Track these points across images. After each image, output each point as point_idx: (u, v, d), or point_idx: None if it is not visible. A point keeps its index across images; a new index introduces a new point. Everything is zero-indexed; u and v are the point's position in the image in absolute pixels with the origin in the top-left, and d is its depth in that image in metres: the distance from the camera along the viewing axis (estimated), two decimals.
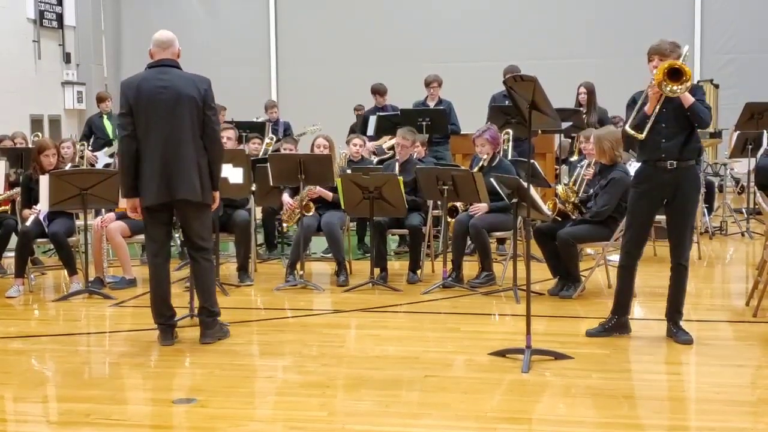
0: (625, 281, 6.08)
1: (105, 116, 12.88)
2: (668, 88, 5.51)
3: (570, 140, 10.83)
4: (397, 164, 8.59)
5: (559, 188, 7.77)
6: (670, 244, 5.99)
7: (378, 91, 12.14)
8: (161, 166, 5.89)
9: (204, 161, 6.01)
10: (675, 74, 5.52)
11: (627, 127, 5.77)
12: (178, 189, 5.92)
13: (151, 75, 6.00)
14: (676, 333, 5.94)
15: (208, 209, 6.15)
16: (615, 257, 7.82)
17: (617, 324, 6.10)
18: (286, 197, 8.52)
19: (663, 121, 5.70)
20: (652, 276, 7.73)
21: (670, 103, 5.66)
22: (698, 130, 5.87)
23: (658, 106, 5.66)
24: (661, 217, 6.26)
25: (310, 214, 8.17)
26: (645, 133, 5.69)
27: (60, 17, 17.81)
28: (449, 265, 7.88)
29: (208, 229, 6.24)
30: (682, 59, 5.74)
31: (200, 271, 6.14)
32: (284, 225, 9.27)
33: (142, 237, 8.45)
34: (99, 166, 11.47)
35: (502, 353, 5.61)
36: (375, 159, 10.51)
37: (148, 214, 6.06)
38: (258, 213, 9.56)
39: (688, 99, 5.62)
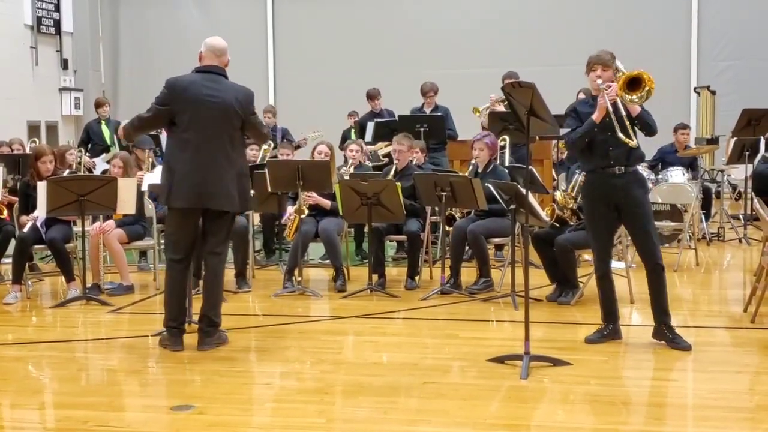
0: (608, 288, 6.13)
1: (103, 122, 12.86)
2: (629, 98, 5.61)
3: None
4: (393, 169, 8.61)
5: (558, 194, 7.78)
6: (638, 249, 6.06)
7: (371, 95, 12.19)
8: (195, 172, 5.91)
9: (245, 170, 6.11)
10: (633, 84, 5.61)
11: (624, 135, 5.73)
12: (213, 199, 5.94)
13: (199, 80, 6.01)
14: (672, 339, 5.94)
15: (234, 218, 6.27)
16: (612, 263, 7.84)
17: (613, 330, 6.12)
18: (290, 210, 8.48)
19: (609, 130, 5.74)
20: None
21: (616, 112, 5.72)
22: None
23: (612, 114, 5.72)
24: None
25: (304, 216, 8.13)
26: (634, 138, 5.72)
27: (57, 23, 17.81)
28: (447, 272, 7.88)
29: (229, 237, 6.30)
30: (619, 71, 5.83)
31: (212, 278, 6.12)
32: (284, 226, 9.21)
33: (139, 243, 8.49)
34: (97, 172, 11.46)
35: (500, 360, 5.61)
36: (370, 165, 10.53)
37: (177, 216, 6.05)
38: (256, 219, 9.56)
39: (635, 108, 5.72)
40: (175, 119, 5.97)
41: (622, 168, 5.85)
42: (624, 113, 5.72)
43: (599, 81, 5.78)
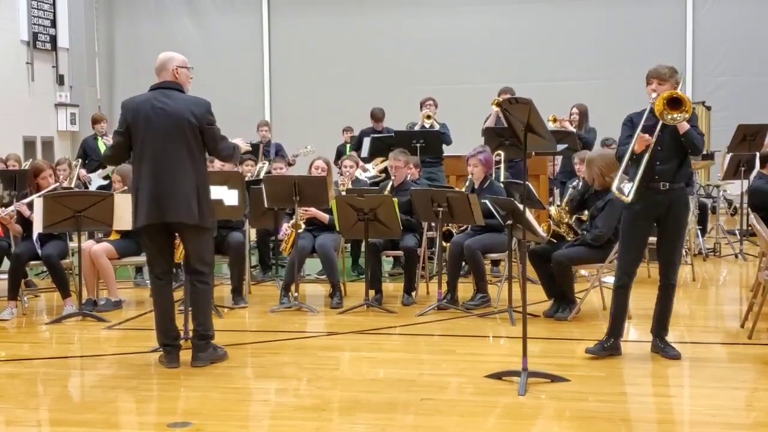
0: (622, 301, 6.12)
1: (99, 138, 12.85)
2: (669, 117, 5.60)
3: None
4: (390, 185, 8.62)
5: (552, 209, 7.77)
6: (660, 264, 6.08)
7: (376, 116, 12.21)
8: (153, 188, 5.89)
9: (205, 184, 6.04)
10: (675, 103, 5.62)
11: (626, 193, 5.79)
12: (171, 211, 5.90)
13: (150, 97, 6.00)
14: (663, 348, 6.04)
15: (208, 232, 6.16)
16: (610, 279, 7.82)
17: (614, 345, 6.11)
18: (286, 225, 8.46)
19: (658, 144, 5.77)
20: (646, 298, 7.67)
21: (666, 128, 5.72)
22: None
23: (652, 143, 5.73)
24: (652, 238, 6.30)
25: (301, 230, 8.12)
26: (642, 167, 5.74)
27: (53, 39, 17.83)
28: (444, 287, 7.87)
29: (208, 252, 6.21)
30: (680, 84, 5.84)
31: (195, 293, 6.11)
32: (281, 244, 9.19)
33: (135, 259, 8.45)
34: (93, 187, 11.44)
35: (498, 376, 5.59)
36: (367, 180, 10.52)
37: (145, 235, 6.07)
38: (252, 235, 9.55)
39: (684, 126, 5.71)
40: (132, 137, 5.98)
41: (667, 184, 5.83)
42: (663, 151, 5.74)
43: (653, 95, 5.77)
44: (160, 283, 6.10)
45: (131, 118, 5.97)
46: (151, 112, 5.92)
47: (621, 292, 6.09)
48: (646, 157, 5.74)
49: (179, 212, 5.92)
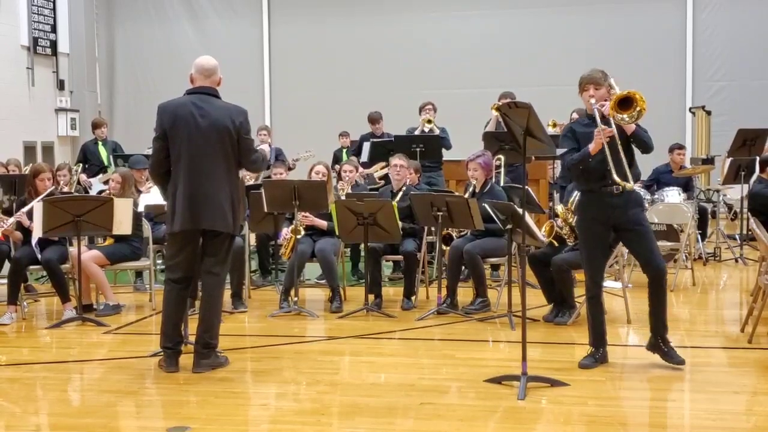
0: (598, 310, 6.05)
1: (100, 142, 12.88)
2: (621, 117, 5.59)
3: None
4: (392, 190, 8.63)
5: (559, 208, 7.75)
6: (644, 265, 5.97)
7: (373, 119, 12.21)
8: (190, 194, 5.89)
9: (239, 192, 6.05)
10: (624, 103, 5.60)
11: (620, 176, 5.75)
12: (207, 218, 5.90)
13: (188, 101, 5.98)
14: (667, 353, 5.96)
15: (233, 239, 6.18)
16: (610, 283, 7.85)
17: (603, 353, 6.06)
18: (286, 230, 8.46)
19: (608, 150, 5.71)
20: (646, 302, 7.69)
21: (612, 144, 5.70)
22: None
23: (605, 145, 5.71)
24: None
25: (300, 236, 8.11)
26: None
27: (54, 44, 17.84)
28: (444, 292, 7.87)
29: (228, 258, 6.20)
30: (613, 88, 5.85)
31: (208, 299, 6.07)
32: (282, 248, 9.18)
33: (134, 264, 8.44)
34: (93, 192, 11.45)
35: (497, 380, 5.59)
36: (366, 185, 10.53)
37: (177, 239, 6.04)
38: (252, 239, 9.55)
39: (630, 127, 5.70)
40: (168, 143, 5.96)
41: (620, 187, 5.82)
42: (621, 149, 5.69)
43: (593, 100, 5.78)
44: (176, 287, 6.06)
45: (168, 122, 5.95)
46: (190, 119, 5.90)
47: (594, 302, 6.03)
48: (608, 154, 5.68)
49: (215, 220, 5.93)
